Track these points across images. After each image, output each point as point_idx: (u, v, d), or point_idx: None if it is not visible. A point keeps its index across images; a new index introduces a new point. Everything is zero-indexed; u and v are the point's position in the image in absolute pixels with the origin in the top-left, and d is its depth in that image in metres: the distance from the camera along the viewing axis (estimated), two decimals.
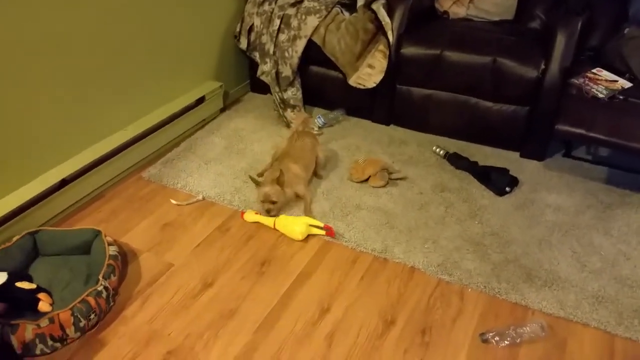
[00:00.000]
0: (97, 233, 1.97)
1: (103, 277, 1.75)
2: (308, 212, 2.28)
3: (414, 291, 1.92)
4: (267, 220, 2.21)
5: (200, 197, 2.39)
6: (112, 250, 1.88)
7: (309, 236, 2.18)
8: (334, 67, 2.91)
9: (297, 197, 2.36)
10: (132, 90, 2.55)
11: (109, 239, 1.95)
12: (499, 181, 2.48)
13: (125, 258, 2.02)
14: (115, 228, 2.21)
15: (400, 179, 2.53)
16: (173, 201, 2.37)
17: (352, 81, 2.83)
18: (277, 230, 2.19)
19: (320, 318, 1.81)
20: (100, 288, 1.72)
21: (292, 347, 1.70)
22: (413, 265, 2.03)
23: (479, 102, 2.72)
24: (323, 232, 2.16)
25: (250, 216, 2.26)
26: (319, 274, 1.99)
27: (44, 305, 1.68)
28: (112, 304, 1.80)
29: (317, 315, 1.82)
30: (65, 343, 1.64)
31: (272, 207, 2.23)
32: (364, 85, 2.80)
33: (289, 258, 2.06)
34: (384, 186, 2.47)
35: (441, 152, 2.73)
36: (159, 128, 2.66)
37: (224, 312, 1.82)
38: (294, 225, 2.15)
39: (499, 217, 2.30)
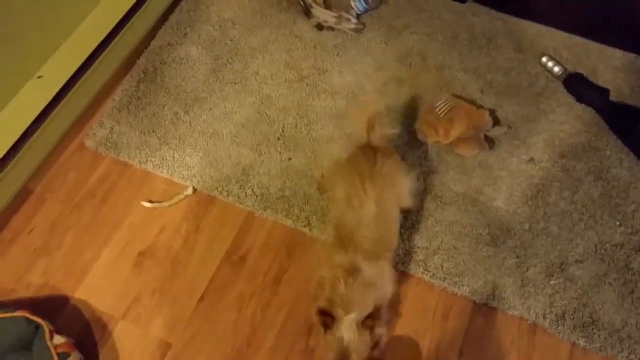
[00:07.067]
0: (37, 326, 1.17)
1: None
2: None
3: None
4: None
5: (188, 191, 1.49)
6: None
7: None
8: None
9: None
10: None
11: (59, 342, 1.16)
12: None
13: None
14: (61, 270, 1.38)
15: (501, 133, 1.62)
16: (146, 204, 1.47)
17: None
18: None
19: None
20: None
21: None
22: (535, 322, 1.35)
23: None
24: None
25: None
26: (399, 342, 1.31)
27: None
28: None
29: None
30: None
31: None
32: None
33: None
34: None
35: (556, 68, 1.72)
36: (93, 57, 1.53)
37: None
38: None
39: None
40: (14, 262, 1.39)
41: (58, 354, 1.13)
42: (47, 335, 1.15)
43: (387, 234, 1.21)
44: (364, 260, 1.12)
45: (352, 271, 1.11)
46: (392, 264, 1.20)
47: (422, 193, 1.49)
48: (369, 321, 1.07)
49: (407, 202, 1.33)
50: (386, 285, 1.19)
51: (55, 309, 1.31)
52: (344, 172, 1.27)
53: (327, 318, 1.07)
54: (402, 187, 1.29)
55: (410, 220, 1.46)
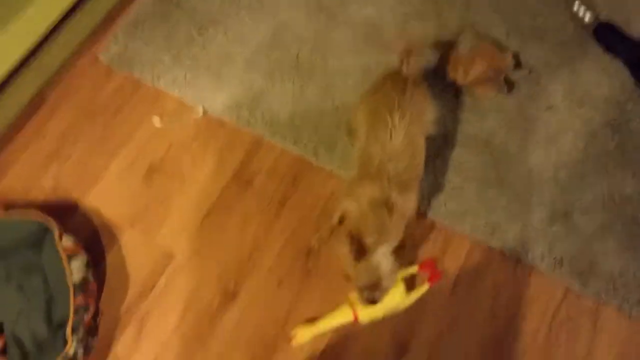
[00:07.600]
0: (45, 228, 1.21)
1: (73, 331, 1.11)
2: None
3: (533, 312, 1.32)
4: (342, 314, 1.22)
5: (199, 112, 1.50)
6: (77, 269, 1.17)
7: None
8: None
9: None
10: None
11: (67, 243, 1.20)
12: None
13: (101, 265, 1.31)
14: (72, 176, 1.41)
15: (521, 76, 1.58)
16: (156, 122, 1.48)
17: None
18: (357, 319, 1.22)
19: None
20: (71, 352, 1.11)
21: None
22: (532, 264, 1.36)
23: None
24: (426, 286, 1.29)
25: (308, 332, 1.23)
26: None
27: None
28: (95, 340, 1.22)
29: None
30: None
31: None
32: None
33: None
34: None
35: (587, 16, 1.65)
36: None
37: (268, 343, 1.26)
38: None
39: None
40: (28, 165, 1.43)
41: (68, 256, 1.18)
42: (57, 236, 1.20)
43: (416, 164, 1.20)
44: (396, 192, 1.12)
45: (386, 203, 1.10)
46: (419, 192, 1.20)
47: (447, 120, 1.48)
48: (400, 250, 1.10)
49: (431, 130, 1.32)
50: (414, 213, 1.20)
51: (66, 213, 1.36)
52: (370, 101, 1.25)
53: (359, 246, 1.08)
54: (428, 116, 1.28)
55: None
